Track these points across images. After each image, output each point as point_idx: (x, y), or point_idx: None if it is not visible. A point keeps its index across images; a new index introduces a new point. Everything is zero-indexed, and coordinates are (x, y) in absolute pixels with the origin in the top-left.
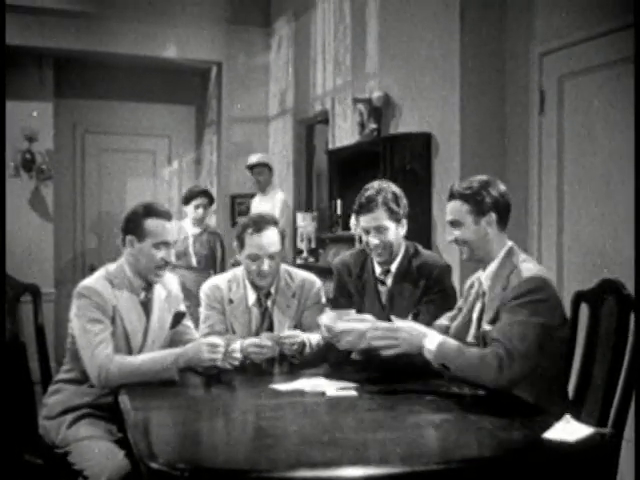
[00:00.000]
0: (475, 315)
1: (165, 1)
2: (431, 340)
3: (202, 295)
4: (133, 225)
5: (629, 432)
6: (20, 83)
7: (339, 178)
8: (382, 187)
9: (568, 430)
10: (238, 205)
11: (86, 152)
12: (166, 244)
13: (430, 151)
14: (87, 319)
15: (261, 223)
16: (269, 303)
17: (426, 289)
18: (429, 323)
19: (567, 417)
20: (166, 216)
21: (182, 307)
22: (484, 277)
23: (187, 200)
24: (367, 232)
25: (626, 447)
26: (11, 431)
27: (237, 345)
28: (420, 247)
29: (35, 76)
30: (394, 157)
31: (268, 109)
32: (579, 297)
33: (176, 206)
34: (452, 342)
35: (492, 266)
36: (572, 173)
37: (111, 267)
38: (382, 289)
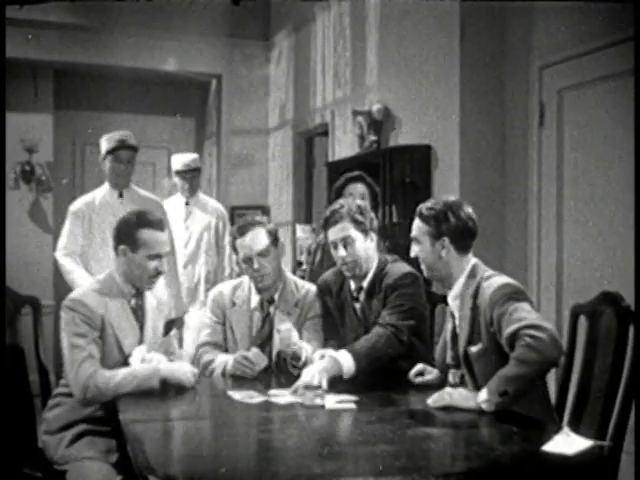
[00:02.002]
0: (448, 336)
1: (165, 14)
2: (480, 393)
3: (208, 299)
4: (126, 235)
5: (629, 444)
6: (20, 95)
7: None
8: (346, 202)
9: (567, 443)
10: (238, 217)
11: (86, 164)
12: (159, 256)
13: (430, 163)
14: (72, 334)
15: (244, 227)
16: (271, 309)
17: (385, 298)
18: (392, 325)
19: (566, 430)
20: (159, 226)
21: (173, 314)
22: (450, 298)
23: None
24: (335, 246)
25: (626, 460)
26: (11, 444)
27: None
28: (391, 259)
29: (35, 88)
30: (394, 169)
31: (268, 121)
32: (577, 310)
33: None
34: (492, 379)
35: (456, 287)
36: (571, 185)
37: (100, 277)
38: (357, 305)
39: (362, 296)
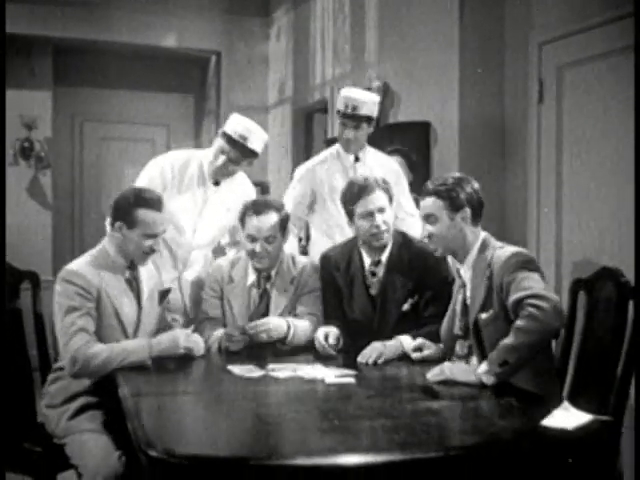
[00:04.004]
0: (458, 307)
1: None
2: (481, 366)
3: (207, 274)
4: (123, 212)
5: (629, 419)
6: (19, 71)
7: None
8: (368, 174)
9: (567, 417)
10: None
11: (85, 140)
12: (155, 236)
13: (429, 140)
14: (66, 308)
15: (261, 206)
16: (268, 286)
17: (421, 279)
18: (433, 314)
19: (566, 404)
20: (157, 206)
21: (166, 285)
22: (463, 269)
23: None
24: (371, 214)
25: (627, 434)
26: (10, 419)
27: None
28: (409, 235)
29: (34, 64)
30: (393, 146)
31: (267, 98)
32: (577, 285)
33: None
34: (493, 351)
35: (470, 257)
36: (571, 162)
37: (93, 251)
38: (373, 280)
39: (382, 270)
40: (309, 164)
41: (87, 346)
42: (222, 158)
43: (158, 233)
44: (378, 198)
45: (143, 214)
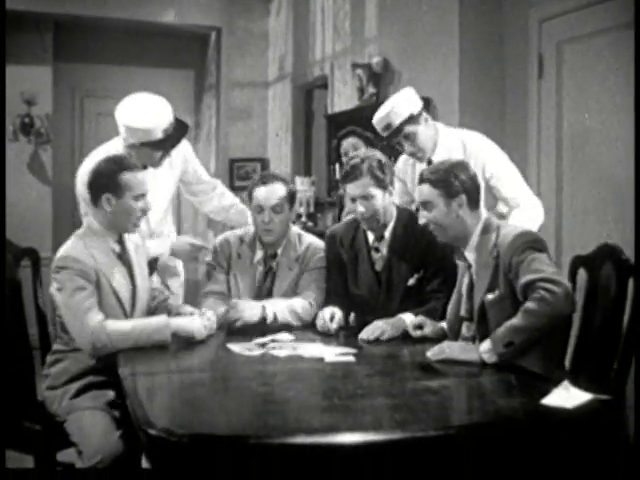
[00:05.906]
0: (464, 289)
1: None
2: (483, 344)
3: (213, 248)
4: (108, 182)
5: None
6: (19, 47)
7: (338, 143)
8: (367, 155)
9: (566, 396)
10: (237, 169)
11: (85, 116)
12: (144, 196)
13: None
14: (71, 290)
15: (268, 177)
16: (274, 264)
17: (425, 254)
18: (435, 289)
19: (565, 383)
20: (137, 167)
21: (152, 252)
22: (467, 252)
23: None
24: (353, 200)
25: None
26: (10, 397)
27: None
28: (415, 212)
29: (34, 40)
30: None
31: (267, 74)
32: (577, 262)
33: None
34: (498, 330)
35: (473, 240)
36: (570, 137)
37: (79, 232)
38: (376, 256)
39: (384, 246)
40: (402, 158)
41: (105, 322)
42: (157, 166)
43: (146, 192)
44: (361, 185)
45: (128, 177)
